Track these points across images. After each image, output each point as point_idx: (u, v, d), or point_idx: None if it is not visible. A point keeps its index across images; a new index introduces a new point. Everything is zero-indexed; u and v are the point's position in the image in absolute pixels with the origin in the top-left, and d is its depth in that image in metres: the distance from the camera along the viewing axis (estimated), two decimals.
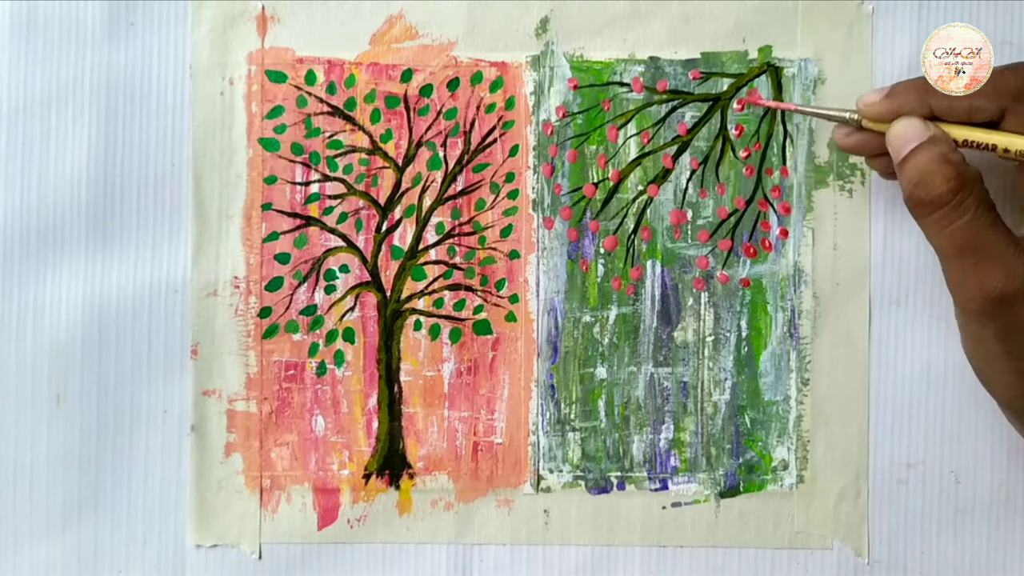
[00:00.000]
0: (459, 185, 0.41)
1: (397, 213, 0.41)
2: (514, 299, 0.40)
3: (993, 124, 0.33)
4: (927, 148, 0.33)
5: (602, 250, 0.40)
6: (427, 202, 0.41)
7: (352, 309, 0.41)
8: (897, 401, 0.40)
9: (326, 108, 0.40)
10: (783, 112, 0.40)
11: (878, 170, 0.37)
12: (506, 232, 0.41)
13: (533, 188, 0.40)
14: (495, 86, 0.40)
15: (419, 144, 0.40)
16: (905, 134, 0.33)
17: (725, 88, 0.40)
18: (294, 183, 0.40)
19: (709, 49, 0.40)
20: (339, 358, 0.40)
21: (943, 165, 0.32)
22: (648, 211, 0.40)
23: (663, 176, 0.40)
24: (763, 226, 0.40)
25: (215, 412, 0.40)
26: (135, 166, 0.40)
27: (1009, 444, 0.40)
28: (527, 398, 0.40)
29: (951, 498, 0.40)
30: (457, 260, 0.41)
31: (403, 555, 0.40)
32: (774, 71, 0.40)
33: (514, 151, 0.40)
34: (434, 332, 0.40)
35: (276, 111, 0.40)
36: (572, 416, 0.40)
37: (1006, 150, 0.32)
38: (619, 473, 0.40)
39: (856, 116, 0.35)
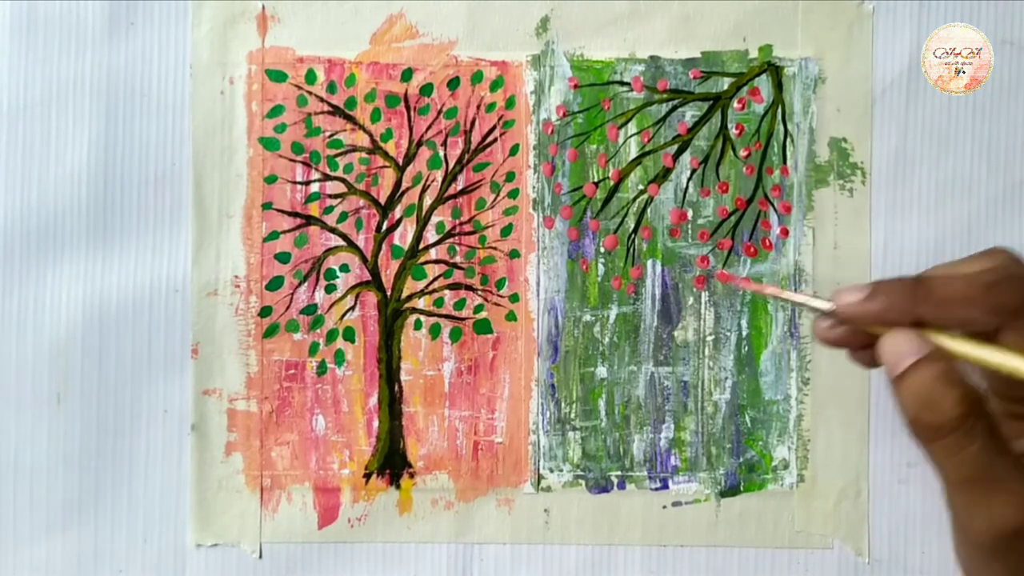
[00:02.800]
0: (459, 184, 0.41)
1: (397, 212, 0.41)
2: (514, 298, 0.40)
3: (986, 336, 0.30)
4: (928, 366, 0.29)
5: (602, 249, 0.40)
6: (427, 201, 0.41)
7: (352, 308, 0.41)
8: None
9: (326, 107, 0.40)
10: (783, 111, 0.40)
11: (863, 363, 0.32)
12: (506, 231, 0.41)
13: (533, 187, 0.40)
14: (495, 85, 0.40)
15: (419, 143, 0.40)
16: (900, 349, 0.29)
17: (725, 87, 0.40)
18: (294, 182, 0.40)
19: (709, 48, 0.40)
20: (339, 357, 0.40)
21: (949, 387, 0.28)
22: (648, 210, 0.40)
23: (663, 175, 0.40)
24: (763, 225, 0.40)
25: (215, 411, 0.40)
26: (135, 166, 0.40)
27: None
28: (527, 397, 0.40)
29: None
30: (457, 259, 0.41)
31: (403, 554, 0.40)
32: (774, 70, 0.40)
33: (514, 150, 0.40)
34: (434, 331, 0.40)
35: (276, 110, 0.40)
36: (572, 415, 0.40)
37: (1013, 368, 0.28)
38: (619, 472, 0.40)
39: (836, 309, 0.30)
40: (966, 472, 0.28)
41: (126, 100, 0.40)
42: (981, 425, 0.28)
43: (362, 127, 0.40)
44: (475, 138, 0.40)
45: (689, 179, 0.40)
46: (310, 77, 0.40)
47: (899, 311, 0.29)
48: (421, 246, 0.41)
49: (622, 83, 0.40)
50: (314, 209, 0.40)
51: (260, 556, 0.40)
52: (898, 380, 0.29)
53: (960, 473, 0.29)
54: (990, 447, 0.28)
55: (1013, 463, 0.28)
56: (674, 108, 0.40)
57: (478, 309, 0.40)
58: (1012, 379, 0.28)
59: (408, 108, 0.40)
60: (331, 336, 0.40)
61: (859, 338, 0.31)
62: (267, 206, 0.40)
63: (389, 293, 0.41)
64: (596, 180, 0.40)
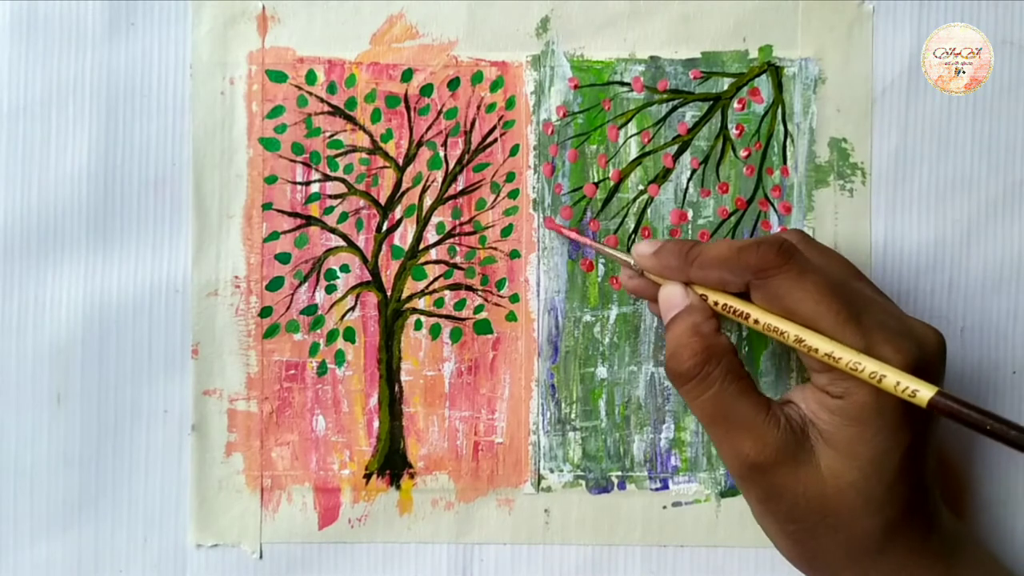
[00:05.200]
0: (460, 185, 0.41)
1: (398, 213, 0.41)
2: (515, 299, 0.41)
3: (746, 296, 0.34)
4: (682, 318, 0.33)
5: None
6: (428, 202, 0.41)
7: (353, 309, 0.41)
8: None
9: (326, 108, 0.40)
10: (783, 111, 0.40)
11: (657, 315, 0.38)
12: (507, 232, 0.41)
13: (534, 188, 0.40)
14: (496, 86, 0.40)
15: (419, 144, 0.40)
16: (669, 300, 0.34)
17: (726, 88, 0.40)
18: (295, 183, 0.40)
19: (709, 49, 0.40)
20: (340, 358, 0.40)
21: (692, 337, 0.33)
22: (649, 211, 0.40)
23: (664, 176, 0.40)
24: (764, 226, 0.40)
25: (216, 412, 0.40)
26: (135, 166, 0.40)
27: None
28: (528, 398, 0.40)
29: None
30: (458, 260, 0.41)
31: (403, 555, 0.40)
32: (774, 71, 0.40)
33: (515, 151, 0.40)
34: (435, 332, 0.40)
35: (276, 111, 0.40)
36: (573, 416, 0.40)
37: (756, 320, 0.32)
38: (620, 473, 0.40)
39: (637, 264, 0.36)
40: (708, 412, 0.33)
41: (126, 100, 0.40)
42: (717, 372, 0.32)
43: (362, 127, 0.40)
44: (475, 138, 0.40)
45: (689, 179, 0.40)
46: (310, 77, 0.40)
47: (675, 268, 0.34)
48: (421, 246, 0.41)
49: (622, 83, 0.40)
50: (314, 209, 0.40)
51: (260, 556, 0.40)
52: (665, 331, 0.34)
53: (703, 412, 0.33)
54: (727, 391, 0.32)
55: (753, 406, 0.32)
56: (674, 108, 0.40)
57: (478, 309, 0.41)
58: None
59: (408, 108, 0.40)
60: (331, 336, 0.40)
61: (653, 289, 0.36)
62: (267, 206, 0.40)
63: (389, 293, 0.41)
64: (596, 180, 0.40)
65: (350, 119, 0.40)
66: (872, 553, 0.32)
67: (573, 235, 0.39)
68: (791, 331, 0.32)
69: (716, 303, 0.34)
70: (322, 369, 0.40)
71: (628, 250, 0.39)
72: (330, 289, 0.40)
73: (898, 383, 0.29)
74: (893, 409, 0.31)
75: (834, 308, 0.31)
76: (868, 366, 0.30)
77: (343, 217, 0.40)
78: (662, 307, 0.35)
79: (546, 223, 0.40)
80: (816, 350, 0.31)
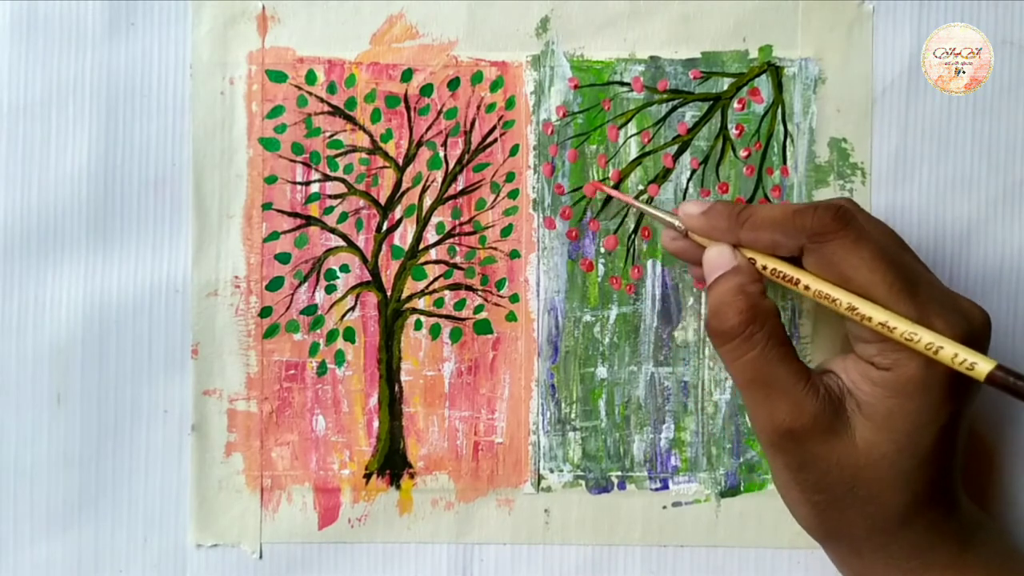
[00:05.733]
0: (459, 185, 0.41)
1: (397, 213, 0.41)
2: (514, 299, 0.40)
3: (797, 261, 0.33)
4: (728, 278, 0.33)
5: (602, 250, 0.40)
6: (427, 202, 0.41)
7: (353, 309, 0.41)
8: None
9: (326, 108, 0.40)
10: (783, 111, 0.40)
11: (697, 279, 0.38)
12: (506, 232, 0.41)
13: (534, 188, 0.40)
14: (495, 86, 0.40)
15: (419, 144, 0.40)
16: (715, 261, 0.34)
17: (725, 88, 0.40)
18: (294, 183, 0.40)
19: (709, 49, 0.40)
20: (340, 358, 0.40)
21: (737, 297, 0.32)
22: None
23: (663, 176, 0.40)
24: None
25: (216, 412, 0.40)
26: (135, 166, 0.40)
27: (1007, 443, 0.40)
28: (527, 398, 0.40)
29: None
30: (457, 260, 0.41)
31: (403, 555, 0.40)
32: (774, 71, 0.40)
33: (514, 151, 0.40)
34: (435, 332, 0.40)
35: (276, 111, 0.40)
36: (573, 416, 0.40)
37: (807, 287, 0.32)
38: (620, 473, 0.40)
39: (683, 225, 0.35)
40: (748, 375, 0.32)
41: (126, 100, 0.40)
42: (761, 334, 0.32)
43: (362, 127, 0.40)
44: (475, 138, 0.40)
45: (689, 179, 0.40)
46: (310, 77, 0.40)
47: (724, 229, 0.34)
48: (421, 246, 0.41)
49: (622, 83, 0.40)
50: (314, 209, 0.40)
51: (260, 556, 0.40)
52: (708, 290, 0.34)
53: (743, 375, 0.32)
54: (769, 354, 0.32)
55: (794, 372, 0.32)
56: (674, 108, 0.40)
57: (478, 309, 0.41)
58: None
59: (408, 108, 0.40)
60: (331, 336, 0.40)
61: (696, 252, 0.35)
62: (267, 206, 0.40)
63: (389, 293, 0.41)
64: (596, 180, 0.40)
65: (350, 119, 0.40)
66: (894, 527, 0.32)
67: (617, 194, 0.39)
68: (843, 299, 0.31)
69: (764, 267, 0.33)
70: (322, 369, 0.40)
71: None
72: (330, 289, 0.40)
73: (956, 355, 0.29)
74: (939, 384, 0.31)
75: (889, 278, 0.31)
76: (925, 337, 0.30)
77: (343, 217, 0.40)
78: (707, 268, 0.34)
79: (587, 188, 0.40)
80: (870, 319, 0.31)
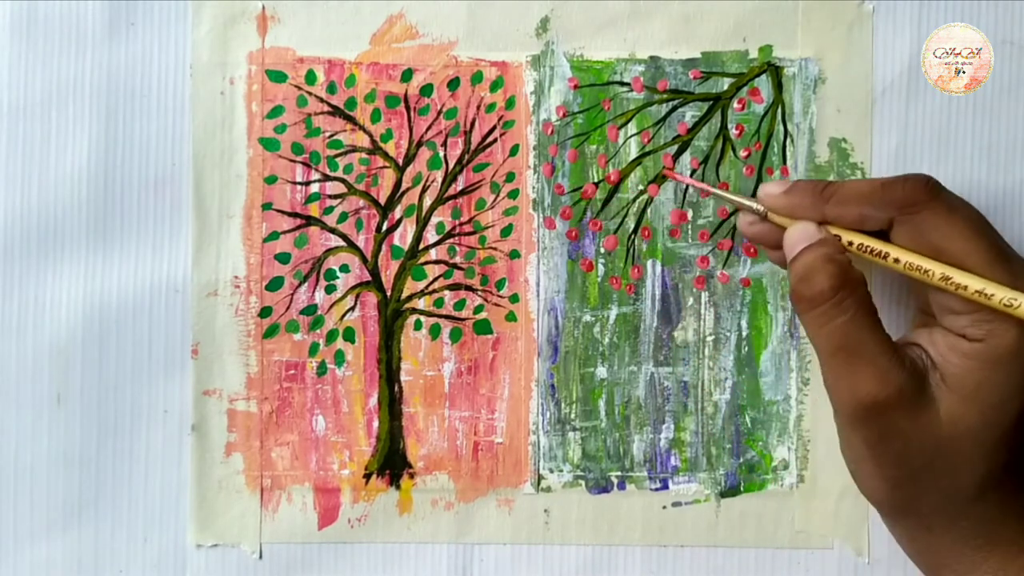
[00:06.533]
0: (459, 185, 0.41)
1: (397, 213, 0.41)
2: (514, 299, 0.40)
3: (884, 234, 0.33)
4: (815, 248, 0.33)
5: (602, 250, 0.40)
6: (427, 202, 0.41)
7: (352, 309, 0.41)
8: None
9: (326, 108, 0.40)
10: (783, 111, 0.40)
11: (776, 262, 0.37)
12: (506, 232, 0.41)
13: (533, 188, 0.40)
14: (495, 86, 0.40)
15: (419, 144, 0.40)
16: (799, 235, 0.33)
17: (725, 88, 0.40)
18: (294, 183, 0.40)
19: (709, 49, 0.40)
20: (339, 358, 0.40)
21: (827, 263, 0.32)
22: (648, 211, 0.40)
23: (663, 176, 0.40)
24: None
25: (215, 412, 0.40)
26: (135, 166, 0.40)
27: None
28: (527, 398, 0.40)
29: None
30: (457, 260, 0.41)
31: (403, 555, 0.40)
32: (774, 71, 0.40)
33: (514, 151, 0.40)
34: (434, 332, 0.40)
35: (276, 111, 0.40)
36: (572, 416, 0.40)
37: (896, 260, 0.32)
38: (619, 473, 0.40)
39: (761, 208, 0.35)
40: (835, 342, 0.32)
41: (126, 100, 0.40)
42: (851, 301, 0.31)
43: (362, 127, 0.40)
44: (475, 138, 0.40)
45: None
46: (310, 77, 0.40)
47: (808, 206, 0.33)
48: (421, 246, 0.41)
49: (622, 83, 0.40)
50: (314, 209, 0.40)
51: (260, 556, 0.40)
52: (792, 262, 0.33)
53: (830, 342, 0.32)
54: (859, 322, 0.31)
55: (881, 341, 0.31)
56: (674, 108, 0.40)
57: (478, 309, 0.41)
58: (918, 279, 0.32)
59: (408, 108, 0.40)
60: (331, 336, 0.40)
61: (774, 235, 0.35)
62: (267, 206, 0.40)
63: (389, 293, 0.41)
64: (596, 180, 0.40)
65: (350, 119, 0.40)
66: (968, 501, 0.32)
67: (691, 181, 0.39)
68: (936, 269, 0.31)
69: (851, 243, 0.33)
70: (322, 369, 0.40)
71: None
72: (330, 289, 0.40)
73: None
74: None
75: (984, 245, 0.31)
76: None
77: (343, 217, 0.40)
78: (788, 244, 0.34)
79: (665, 172, 0.39)
80: (966, 287, 0.31)
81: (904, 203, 0.32)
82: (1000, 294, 0.30)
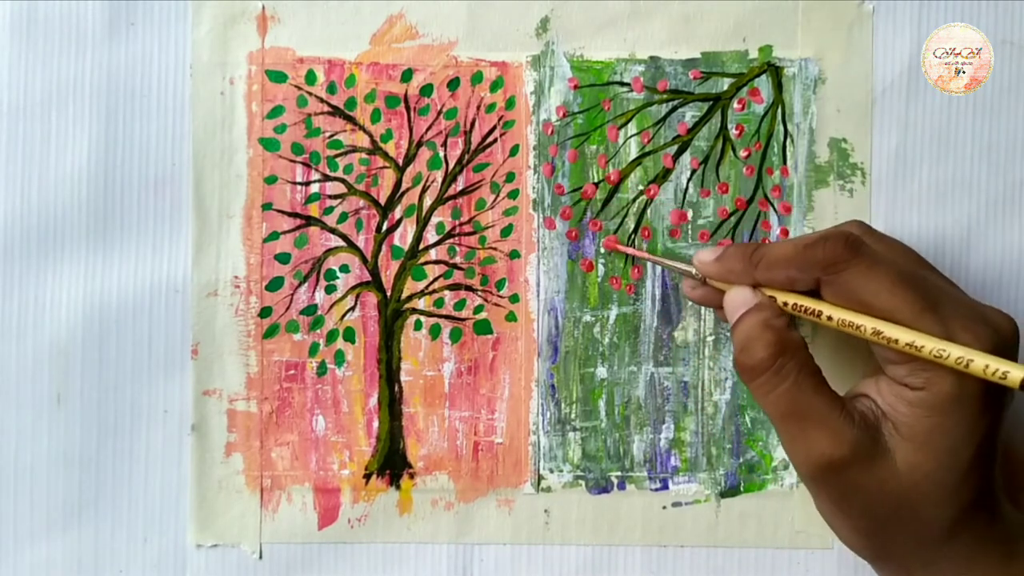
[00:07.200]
0: (459, 185, 0.41)
1: (397, 213, 0.41)
2: (514, 299, 0.40)
3: (816, 294, 0.33)
4: (752, 314, 0.33)
5: (603, 250, 0.40)
6: (427, 202, 0.41)
7: (352, 309, 0.41)
8: None
9: (326, 108, 0.40)
10: (783, 111, 0.40)
11: (725, 321, 0.38)
12: (506, 232, 0.41)
13: (533, 188, 0.40)
14: (495, 86, 0.40)
15: (419, 144, 0.40)
16: (736, 300, 0.34)
17: (725, 88, 0.40)
18: (294, 183, 0.40)
19: (709, 49, 0.40)
20: (339, 358, 0.40)
21: (764, 331, 0.32)
22: (648, 211, 0.40)
23: (663, 176, 0.40)
24: (763, 226, 0.40)
25: (215, 412, 0.40)
26: (135, 166, 0.40)
27: (1007, 442, 0.40)
28: (527, 398, 0.40)
29: None
30: (457, 260, 0.41)
31: (403, 555, 0.40)
32: (774, 71, 0.40)
33: (514, 151, 0.40)
34: (434, 332, 0.40)
35: (276, 111, 0.40)
36: (572, 416, 0.40)
37: (829, 317, 0.32)
38: (619, 473, 0.40)
39: (699, 273, 0.36)
40: (782, 408, 0.32)
41: (126, 100, 0.40)
42: (792, 365, 0.32)
43: (362, 128, 0.40)
44: (475, 139, 0.40)
45: (689, 179, 0.40)
46: (310, 78, 0.40)
47: (740, 272, 0.34)
48: (421, 246, 0.41)
49: (622, 83, 0.40)
50: (314, 210, 0.40)
51: (260, 556, 0.40)
52: (732, 329, 0.34)
53: (777, 409, 0.32)
54: (802, 385, 0.32)
55: (828, 402, 0.32)
56: (674, 108, 0.40)
57: (478, 310, 0.41)
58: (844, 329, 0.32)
59: (408, 109, 0.40)
60: (331, 336, 0.40)
61: (718, 297, 0.35)
62: (267, 207, 0.40)
63: (389, 293, 0.41)
64: (596, 180, 0.40)
65: (350, 119, 0.40)
66: (941, 541, 0.32)
67: (630, 251, 0.39)
68: (867, 324, 0.31)
69: (785, 303, 0.33)
70: (322, 369, 0.40)
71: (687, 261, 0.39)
72: (330, 289, 0.40)
73: (987, 366, 0.29)
74: (973, 397, 0.31)
75: (909, 298, 0.31)
76: (953, 352, 0.30)
77: (343, 217, 0.40)
78: (728, 309, 0.34)
79: (606, 244, 0.40)
80: (896, 341, 0.31)
81: (826, 263, 0.32)
82: (930, 345, 0.30)
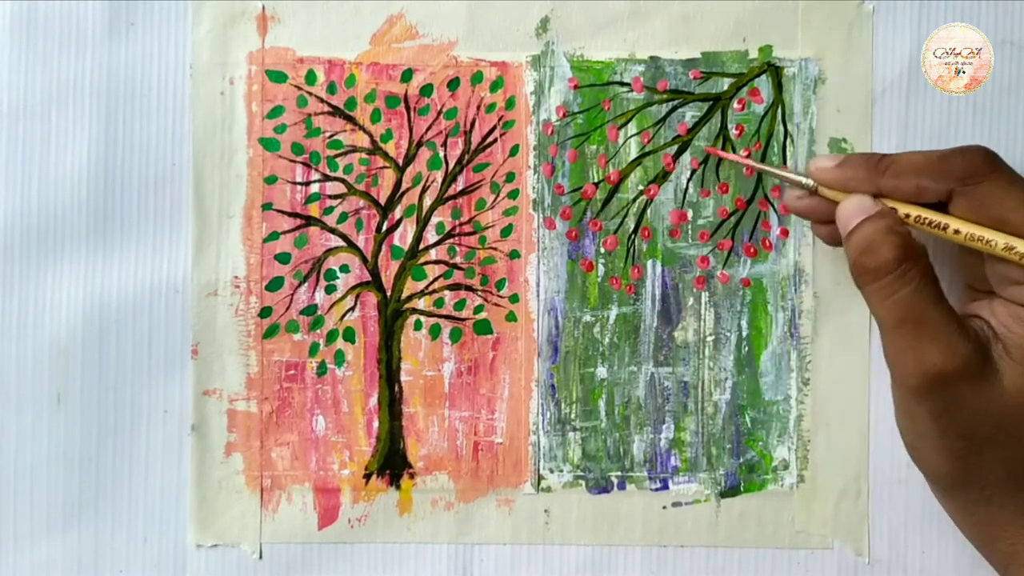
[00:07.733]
0: (459, 185, 0.41)
1: (397, 213, 0.41)
2: (514, 299, 0.41)
3: (941, 206, 0.33)
4: (874, 220, 0.32)
5: (602, 250, 0.40)
6: (427, 202, 0.41)
7: (352, 309, 0.41)
8: None
9: (326, 108, 0.40)
10: (783, 111, 0.40)
11: (823, 238, 0.37)
12: (506, 232, 0.41)
13: (533, 188, 0.40)
14: (495, 86, 0.40)
15: (419, 144, 0.40)
16: (854, 209, 0.33)
17: (725, 88, 0.40)
18: (294, 183, 0.40)
19: (709, 49, 0.40)
20: (339, 358, 0.40)
21: (889, 235, 0.32)
22: (648, 211, 0.40)
23: (663, 176, 0.40)
24: (763, 226, 0.40)
25: (215, 412, 0.40)
26: (135, 166, 0.40)
27: None
28: (527, 398, 0.40)
29: None
30: (457, 260, 0.41)
31: (403, 555, 0.40)
32: (774, 71, 0.40)
33: (514, 151, 0.40)
34: (434, 332, 0.40)
35: (276, 111, 0.40)
36: (572, 416, 0.40)
37: (957, 231, 0.32)
38: (619, 473, 0.40)
39: (811, 182, 0.35)
40: (899, 314, 0.31)
41: (126, 100, 0.40)
42: (916, 271, 0.31)
43: (362, 128, 0.40)
44: (475, 139, 0.40)
45: (689, 179, 0.40)
46: (310, 78, 0.40)
47: (862, 179, 0.33)
48: (421, 246, 0.41)
49: (622, 83, 0.40)
50: (314, 210, 0.40)
51: (260, 556, 0.40)
52: (849, 235, 0.33)
53: (893, 315, 0.31)
54: (923, 293, 0.31)
55: (946, 312, 0.31)
56: (674, 108, 0.40)
57: (478, 310, 0.41)
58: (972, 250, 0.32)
59: (408, 109, 0.40)
60: (331, 336, 0.40)
61: (823, 209, 0.35)
62: (267, 207, 0.40)
63: (389, 293, 0.41)
64: (596, 180, 0.40)
65: (350, 119, 0.40)
66: None
67: (732, 156, 0.39)
68: (999, 239, 0.31)
69: (908, 215, 0.33)
70: (322, 369, 0.40)
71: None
72: (330, 289, 0.40)
73: None
74: None
75: None
76: None
77: (343, 217, 0.40)
78: (842, 217, 0.33)
79: (707, 149, 0.39)
80: None
81: (964, 175, 0.32)
82: None
